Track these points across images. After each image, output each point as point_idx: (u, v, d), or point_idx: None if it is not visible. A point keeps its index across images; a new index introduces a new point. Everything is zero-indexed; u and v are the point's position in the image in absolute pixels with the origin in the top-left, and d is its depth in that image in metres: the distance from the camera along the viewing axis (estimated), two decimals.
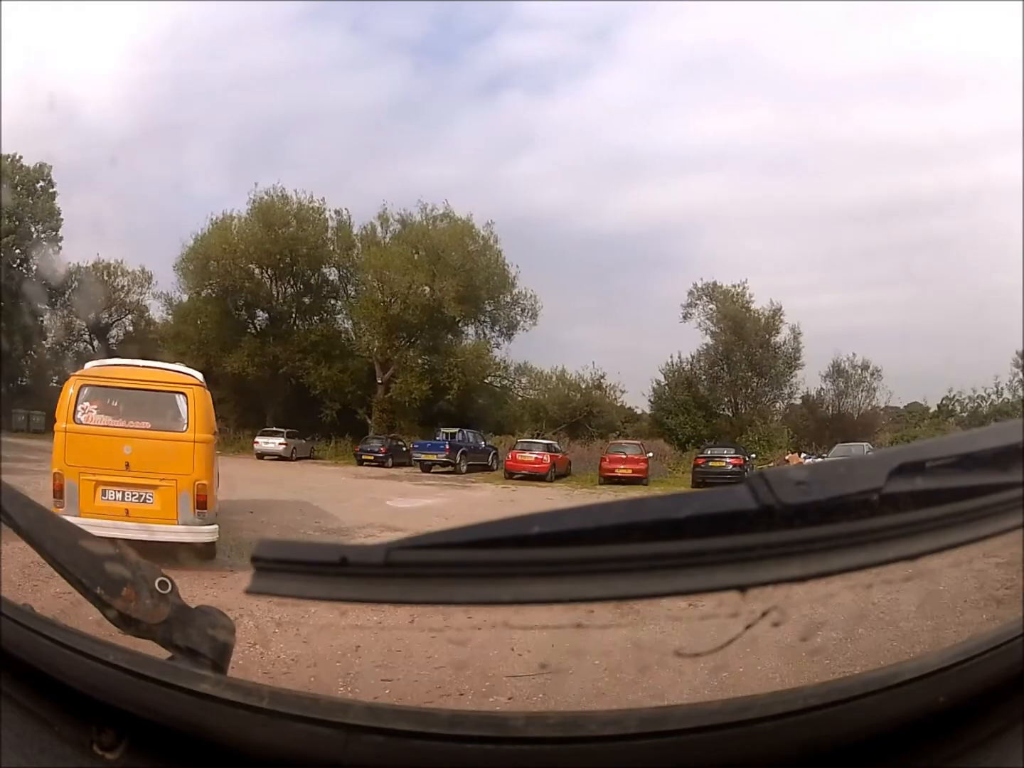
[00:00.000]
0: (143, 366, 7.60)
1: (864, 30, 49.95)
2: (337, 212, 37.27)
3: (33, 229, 34.66)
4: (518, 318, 38.32)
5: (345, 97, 51.84)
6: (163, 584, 0.81)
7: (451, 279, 33.18)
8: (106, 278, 38.01)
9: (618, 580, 0.61)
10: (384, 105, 52.16)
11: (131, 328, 38.79)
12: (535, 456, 23.88)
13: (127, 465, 6.54)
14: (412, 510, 12.97)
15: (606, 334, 49.29)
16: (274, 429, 30.11)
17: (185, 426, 6.75)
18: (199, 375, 7.55)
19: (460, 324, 36.77)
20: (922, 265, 45.28)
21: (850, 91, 51.88)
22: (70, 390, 6.75)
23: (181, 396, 6.84)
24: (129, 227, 49.30)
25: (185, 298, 35.92)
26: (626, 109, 53.63)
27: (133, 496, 6.57)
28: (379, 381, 34.91)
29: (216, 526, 6.85)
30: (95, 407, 6.73)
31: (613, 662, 3.61)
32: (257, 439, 29.01)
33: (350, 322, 37.39)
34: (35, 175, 34.84)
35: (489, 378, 37.97)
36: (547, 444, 25.82)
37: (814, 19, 50.91)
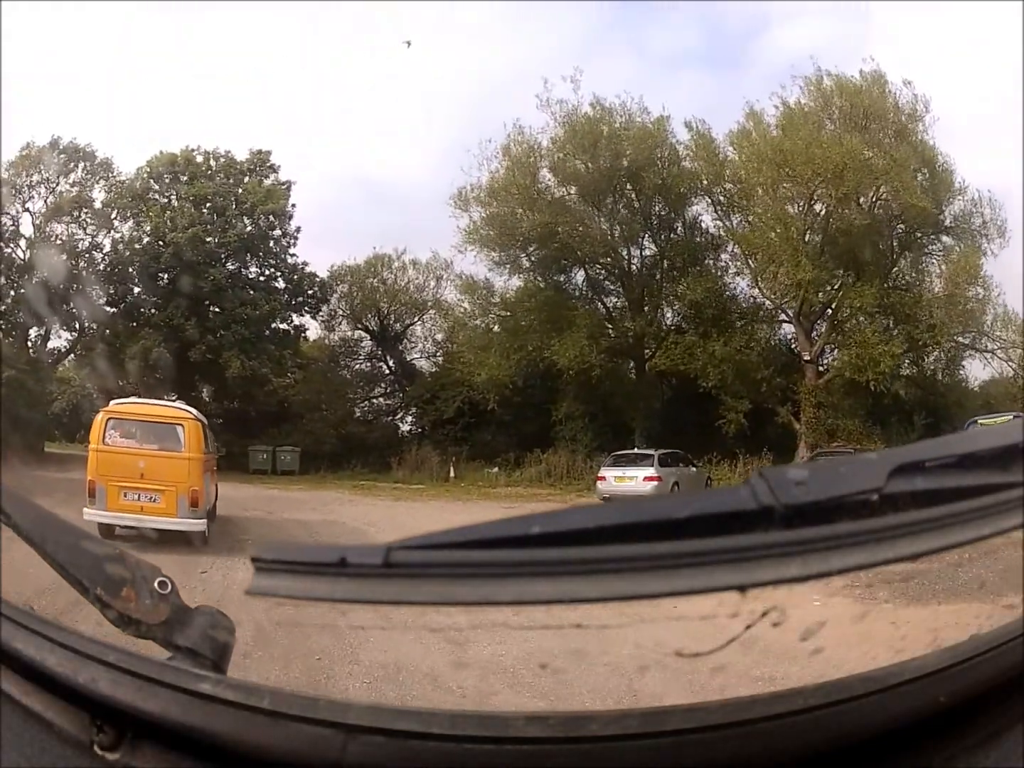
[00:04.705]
0: (152, 403, 10.49)
1: None
2: (686, 125, 23.08)
3: (237, 221, 27.18)
4: (981, 235, 21.84)
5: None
6: (163, 584, 0.81)
7: (905, 147, 19.17)
8: (385, 275, 30.36)
9: (618, 580, 0.61)
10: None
11: (440, 336, 30.06)
12: None
13: (142, 475, 8.83)
14: None
15: None
16: (636, 452, 16.94)
17: (183, 447, 9.19)
18: (194, 410, 10.11)
19: (934, 228, 21.29)
20: None
21: None
22: (99, 420, 9.21)
23: (180, 426, 9.38)
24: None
25: (484, 273, 24.21)
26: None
27: (146, 497, 8.86)
28: (805, 357, 21.07)
29: (205, 520, 9.20)
30: (118, 433, 9.20)
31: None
32: (602, 473, 16.53)
33: (744, 276, 22.66)
34: (249, 164, 28.14)
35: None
36: None
37: None
